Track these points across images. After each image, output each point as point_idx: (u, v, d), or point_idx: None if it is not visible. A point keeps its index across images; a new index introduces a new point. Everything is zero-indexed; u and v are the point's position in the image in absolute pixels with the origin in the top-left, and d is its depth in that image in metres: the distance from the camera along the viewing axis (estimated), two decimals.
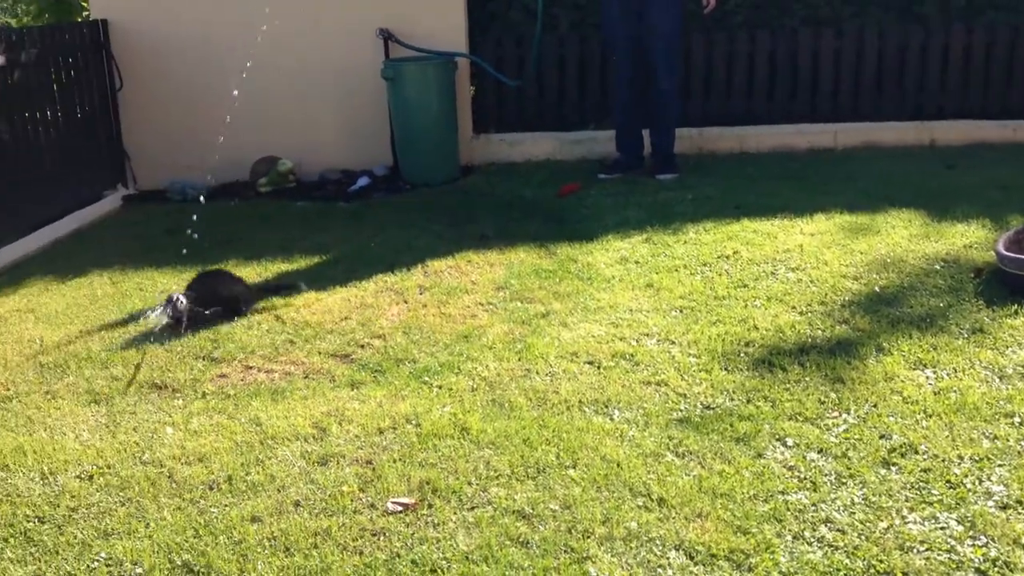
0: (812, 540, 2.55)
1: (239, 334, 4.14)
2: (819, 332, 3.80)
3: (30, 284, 5.03)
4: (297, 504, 2.82)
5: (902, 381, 3.37)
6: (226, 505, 2.84)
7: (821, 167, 6.57)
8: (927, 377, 3.40)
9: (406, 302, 4.43)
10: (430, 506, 2.78)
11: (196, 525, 2.75)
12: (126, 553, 2.63)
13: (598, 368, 3.62)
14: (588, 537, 2.60)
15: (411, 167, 6.82)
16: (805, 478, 2.83)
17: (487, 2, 7.29)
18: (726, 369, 3.55)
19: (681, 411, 3.26)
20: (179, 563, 2.59)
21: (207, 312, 4.27)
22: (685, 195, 5.97)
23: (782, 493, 2.76)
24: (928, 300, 4.04)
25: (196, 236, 5.10)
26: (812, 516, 2.65)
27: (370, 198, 6.55)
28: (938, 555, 2.47)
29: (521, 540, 2.60)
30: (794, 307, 4.07)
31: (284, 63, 6.78)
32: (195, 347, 4.02)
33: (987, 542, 2.50)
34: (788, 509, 2.68)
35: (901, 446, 2.97)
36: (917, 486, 2.77)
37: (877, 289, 4.20)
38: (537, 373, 3.60)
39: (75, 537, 2.73)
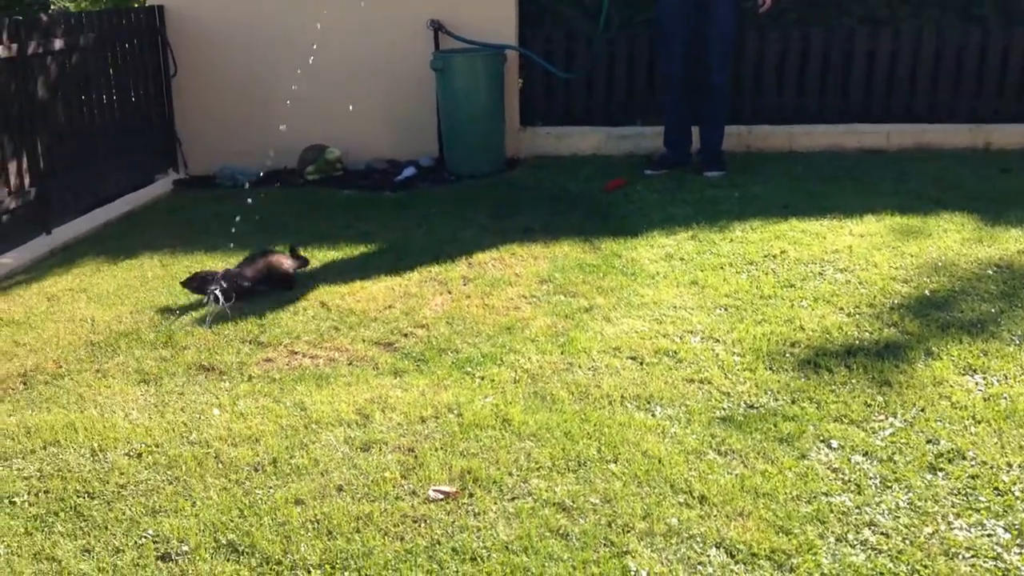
0: (855, 543, 2.53)
1: (285, 319, 4.19)
2: (867, 334, 3.76)
3: (83, 264, 5.13)
4: (340, 488, 2.86)
5: (951, 386, 3.32)
6: (271, 487, 2.89)
7: (872, 168, 6.48)
8: (976, 383, 3.35)
9: (450, 292, 4.45)
10: (471, 495, 2.80)
11: (241, 505, 2.79)
12: (173, 531, 2.69)
13: (641, 364, 3.61)
14: (628, 532, 2.60)
15: (457, 158, 6.84)
16: (849, 480, 2.80)
17: None
18: (771, 369, 3.52)
19: (724, 409, 3.24)
20: (224, 542, 2.63)
21: (257, 287, 4.45)
22: (732, 193, 5.93)
23: (825, 495, 2.74)
24: (979, 305, 3.98)
25: (244, 222, 5.18)
26: (856, 519, 2.63)
27: (416, 188, 6.58)
28: (984, 562, 2.44)
29: (561, 532, 2.61)
30: (842, 308, 4.03)
31: (334, 53, 6.83)
32: (242, 331, 4.08)
33: None
34: (831, 511, 2.66)
35: (948, 451, 2.93)
36: (964, 492, 2.73)
37: (927, 292, 4.14)
38: (579, 367, 3.60)
39: (123, 513, 2.78)
